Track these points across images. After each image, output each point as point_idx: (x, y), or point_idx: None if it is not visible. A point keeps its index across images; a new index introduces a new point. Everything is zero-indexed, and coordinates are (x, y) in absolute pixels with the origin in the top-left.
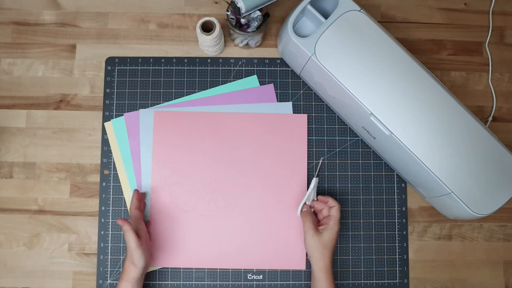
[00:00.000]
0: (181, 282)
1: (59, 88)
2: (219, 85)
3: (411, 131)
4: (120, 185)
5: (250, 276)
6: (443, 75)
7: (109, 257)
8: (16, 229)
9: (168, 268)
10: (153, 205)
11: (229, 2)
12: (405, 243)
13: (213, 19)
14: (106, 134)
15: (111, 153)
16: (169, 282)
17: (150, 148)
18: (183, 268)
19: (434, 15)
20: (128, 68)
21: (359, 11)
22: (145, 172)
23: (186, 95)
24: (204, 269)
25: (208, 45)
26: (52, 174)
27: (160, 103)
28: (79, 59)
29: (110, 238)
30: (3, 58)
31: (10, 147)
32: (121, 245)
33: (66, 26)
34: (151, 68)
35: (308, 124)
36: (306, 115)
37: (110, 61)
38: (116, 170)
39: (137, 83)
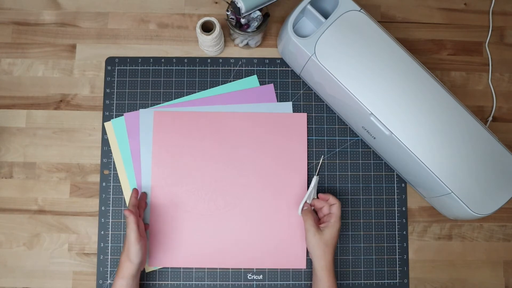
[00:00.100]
0: (181, 282)
1: (59, 88)
2: (219, 85)
3: (411, 131)
4: (120, 185)
5: (250, 276)
6: (443, 75)
7: (109, 257)
8: (16, 229)
9: (168, 268)
10: (152, 205)
11: (229, 2)
12: (405, 243)
13: (213, 19)
14: (106, 134)
15: (111, 153)
16: (169, 282)
17: (150, 148)
18: (183, 268)
19: (434, 15)
20: (128, 68)
21: (359, 11)
22: (145, 172)
23: (186, 95)
24: (204, 269)
25: (208, 45)
26: (52, 174)
27: (160, 103)
28: (79, 59)
29: (110, 238)
30: (3, 58)
31: (10, 147)
32: (121, 245)
33: (66, 26)
34: (151, 68)
35: (308, 124)
36: (305, 114)
37: (110, 61)
38: (116, 170)
39: (137, 83)
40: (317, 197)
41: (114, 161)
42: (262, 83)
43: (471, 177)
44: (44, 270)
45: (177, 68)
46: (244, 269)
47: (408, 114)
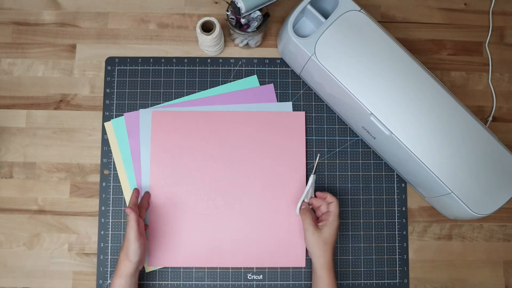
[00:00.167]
0: (181, 282)
1: (59, 88)
2: (219, 85)
3: (411, 131)
4: (120, 185)
5: (250, 276)
6: (443, 75)
7: (109, 257)
8: (16, 229)
9: (168, 268)
10: (152, 205)
11: (229, 2)
12: (405, 243)
13: (213, 19)
14: (106, 134)
15: (111, 153)
16: (169, 282)
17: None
18: (183, 268)
19: (434, 15)
20: (128, 68)
21: (359, 11)
22: (145, 172)
23: (186, 95)
24: (204, 269)
25: (208, 45)
26: (52, 174)
27: (160, 103)
28: (79, 59)
29: (110, 238)
30: (3, 58)
31: (10, 147)
32: (121, 245)
33: (66, 26)
34: (151, 68)
35: (308, 124)
36: (303, 112)
37: (110, 61)
38: (116, 170)
39: (137, 83)
40: (315, 196)
41: (114, 161)
42: (262, 83)
43: (471, 177)
44: (44, 270)
45: (177, 68)
46: (244, 269)
47: (408, 114)
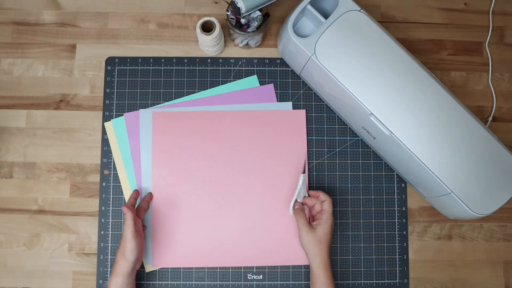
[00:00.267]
0: (181, 282)
1: (59, 88)
2: (219, 85)
3: (411, 131)
4: (120, 185)
5: (250, 276)
6: (443, 75)
7: (109, 257)
8: (16, 229)
9: (168, 268)
10: (153, 205)
11: (229, 2)
12: (405, 243)
13: (213, 19)
14: (106, 134)
15: (111, 153)
16: (169, 282)
17: (150, 148)
18: (183, 268)
19: (434, 15)
20: (128, 68)
21: (359, 11)
22: (145, 172)
23: (186, 95)
24: (204, 269)
25: (208, 45)
26: (52, 174)
27: (160, 103)
28: (79, 59)
29: (110, 238)
30: (3, 58)
31: (10, 147)
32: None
33: (66, 26)
34: (151, 68)
35: (308, 124)
36: (304, 110)
37: (110, 61)
38: (116, 170)
39: (137, 83)
40: (308, 195)
41: (114, 161)
42: (262, 83)
43: (471, 177)
44: (44, 270)
45: (177, 68)
46: (244, 269)
47: (408, 114)
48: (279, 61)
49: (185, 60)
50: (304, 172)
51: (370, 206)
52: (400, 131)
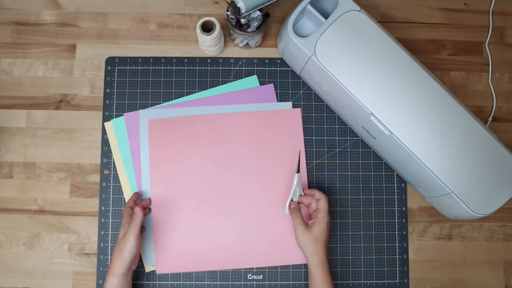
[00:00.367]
0: (181, 282)
1: (59, 88)
2: (219, 85)
3: (411, 131)
4: (120, 185)
5: (250, 276)
6: (443, 75)
7: (109, 257)
8: (16, 229)
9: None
10: (154, 211)
11: (229, 2)
12: (405, 243)
13: (213, 19)
14: (106, 134)
15: (111, 153)
16: (169, 282)
17: None
18: None
19: (434, 15)
20: (128, 68)
21: (359, 11)
22: (145, 172)
23: (186, 95)
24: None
25: (208, 45)
26: (52, 174)
27: (160, 103)
28: (79, 59)
29: (110, 238)
30: (3, 58)
31: (10, 147)
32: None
33: (66, 26)
34: (151, 68)
35: (308, 124)
36: (299, 109)
37: (110, 61)
38: (116, 170)
39: (137, 83)
40: (304, 194)
41: (114, 161)
42: (262, 83)
43: (471, 177)
44: (44, 270)
45: (177, 68)
46: (244, 269)
47: (408, 114)
48: (279, 61)
49: (185, 60)
50: (298, 171)
51: (370, 206)
52: (400, 131)
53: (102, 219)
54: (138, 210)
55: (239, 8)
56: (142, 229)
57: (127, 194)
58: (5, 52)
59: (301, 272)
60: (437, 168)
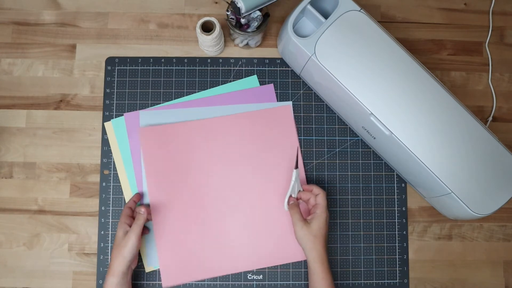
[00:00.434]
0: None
1: (59, 88)
2: (219, 85)
3: (411, 131)
4: (120, 185)
5: (250, 276)
6: (443, 75)
7: (109, 257)
8: (16, 229)
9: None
10: (154, 221)
11: (229, 2)
12: (405, 243)
13: (213, 19)
14: (106, 134)
15: (111, 153)
16: None
17: None
18: None
19: (434, 15)
20: (128, 68)
21: (359, 11)
22: (145, 172)
23: (186, 95)
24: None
25: (208, 45)
26: (52, 174)
27: (160, 103)
28: (79, 59)
29: (110, 238)
30: (3, 58)
31: (10, 147)
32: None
33: (66, 26)
34: (151, 68)
35: (308, 124)
36: (290, 104)
37: (110, 61)
38: (116, 170)
39: (137, 83)
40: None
41: (114, 161)
42: (262, 83)
43: (471, 177)
44: (44, 270)
45: (177, 68)
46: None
47: (408, 114)
48: (279, 61)
49: (185, 60)
50: (297, 167)
51: (370, 206)
52: (400, 131)
53: (102, 219)
54: (142, 211)
55: (239, 8)
56: (146, 230)
57: (127, 194)
58: (5, 52)
59: (301, 272)
60: (437, 168)
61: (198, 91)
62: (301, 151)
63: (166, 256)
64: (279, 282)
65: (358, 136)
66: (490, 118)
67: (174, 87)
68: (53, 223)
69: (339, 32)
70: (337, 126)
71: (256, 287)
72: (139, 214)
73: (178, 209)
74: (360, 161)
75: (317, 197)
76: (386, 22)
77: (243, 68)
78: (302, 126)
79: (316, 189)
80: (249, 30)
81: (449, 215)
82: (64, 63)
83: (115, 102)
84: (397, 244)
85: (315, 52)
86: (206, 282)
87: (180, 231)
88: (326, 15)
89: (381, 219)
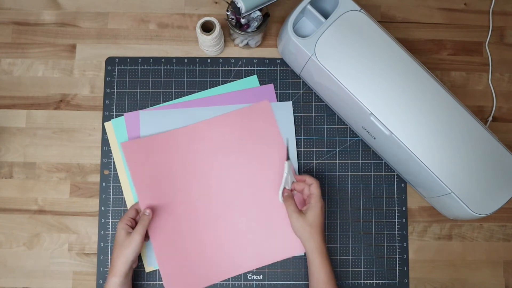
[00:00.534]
0: None
1: (59, 88)
2: (219, 85)
3: (411, 131)
4: (120, 185)
5: (250, 276)
6: (443, 75)
7: (109, 257)
8: (16, 229)
9: None
10: (150, 233)
11: (229, 2)
12: (405, 243)
13: (213, 19)
14: (106, 134)
15: (111, 153)
16: None
17: None
18: None
19: (434, 15)
20: (128, 68)
21: (359, 11)
22: None
23: (186, 95)
24: None
25: (208, 45)
26: (52, 174)
27: (160, 103)
28: (79, 59)
29: (110, 238)
30: (3, 58)
31: (10, 147)
32: (114, 244)
33: (66, 26)
34: (151, 68)
35: (308, 124)
36: (267, 100)
37: (110, 61)
38: (116, 170)
39: (137, 83)
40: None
41: (114, 161)
42: (262, 83)
43: (471, 177)
44: (44, 270)
45: (177, 68)
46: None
47: (408, 114)
48: (279, 61)
49: (185, 60)
50: (288, 159)
51: (370, 206)
52: (400, 131)
53: (102, 219)
54: (148, 212)
55: (239, 8)
56: (146, 237)
57: (127, 194)
58: (5, 52)
59: (301, 272)
60: (437, 168)
61: (198, 91)
62: (301, 151)
63: (167, 268)
64: (279, 282)
65: (358, 136)
66: (490, 118)
67: (174, 87)
68: (53, 223)
69: (339, 32)
70: (337, 126)
71: (256, 287)
72: (144, 215)
73: (173, 219)
74: (360, 161)
75: (311, 187)
76: (386, 22)
77: (243, 68)
78: (302, 126)
79: (309, 179)
80: (249, 30)
81: (449, 215)
82: (64, 63)
83: (115, 102)
84: (397, 244)
85: (315, 52)
86: None
87: (178, 241)
88: (326, 15)
89: (381, 219)
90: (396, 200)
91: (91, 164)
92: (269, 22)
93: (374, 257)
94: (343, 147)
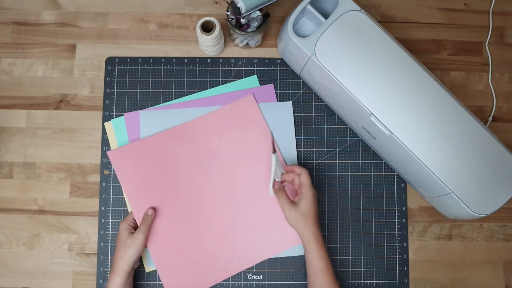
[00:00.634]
0: None
1: (59, 88)
2: (219, 85)
3: (411, 131)
4: (120, 185)
5: (250, 276)
6: (443, 75)
7: (109, 257)
8: (16, 229)
9: None
10: (147, 243)
11: (229, 2)
12: (405, 243)
13: (213, 19)
14: (106, 134)
15: None
16: None
17: None
18: None
19: (434, 15)
20: (128, 68)
21: (359, 11)
22: None
23: (186, 95)
24: None
25: (208, 45)
26: (52, 174)
27: (160, 103)
28: (79, 59)
29: (110, 238)
30: (3, 58)
31: (10, 147)
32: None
33: (66, 26)
34: (151, 68)
35: (308, 124)
36: (251, 94)
37: (110, 61)
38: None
39: (137, 83)
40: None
41: None
42: (262, 83)
43: (471, 177)
44: (44, 270)
45: (177, 68)
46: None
47: (408, 114)
48: (279, 61)
49: (185, 60)
50: (274, 151)
51: (370, 206)
52: (400, 131)
53: (102, 219)
54: (150, 212)
55: (239, 8)
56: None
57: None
58: (5, 52)
59: (301, 272)
60: (437, 168)
61: (198, 91)
62: (301, 151)
63: (165, 269)
64: (279, 282)
65: (358, 136)
66: (490, 118)
67: (174, 87)
68: (53, 223)
69: (339, 32)
70: (337, 126)
71: (256, 287)
72: (147, 215)
73: (166, 221)
74: (360, 161)
75: (301, 177)
76: (386, 22)
77: (243, 68)
78: (302, 126)
79: (298, 169)
80: (249, 30)
81: (449, 215)
82: (64, 63)
83: (115, 102)
84: (397, 244)
85: (315, 52)
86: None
87: (173, 243)
88: (326, 15)
89: (381, 219)
90: (396, 200)
91: (91, 164)
92: (269, 22)
93: (374, 257)
94: (343, 147)
